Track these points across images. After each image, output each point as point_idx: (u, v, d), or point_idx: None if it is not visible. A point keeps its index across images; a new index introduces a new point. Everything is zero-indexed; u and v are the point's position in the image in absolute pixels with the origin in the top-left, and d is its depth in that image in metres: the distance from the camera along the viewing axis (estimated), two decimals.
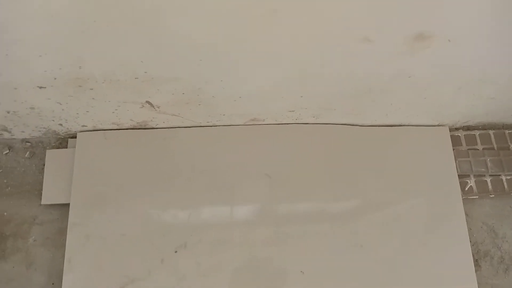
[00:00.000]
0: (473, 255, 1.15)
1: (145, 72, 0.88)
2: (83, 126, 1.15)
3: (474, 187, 1.22)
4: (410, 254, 1.12)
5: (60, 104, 1.02)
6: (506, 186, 1.23)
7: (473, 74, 0.99)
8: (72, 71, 0.87)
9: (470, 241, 1.16)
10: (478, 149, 1.26)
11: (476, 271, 1.13)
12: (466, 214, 1.19)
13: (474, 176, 1.23)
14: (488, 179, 1.24)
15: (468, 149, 1.25)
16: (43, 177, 1.16)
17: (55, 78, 0.89)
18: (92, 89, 0.94)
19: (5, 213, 1.14)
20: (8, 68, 0.84)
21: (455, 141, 1.26)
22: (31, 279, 1.09)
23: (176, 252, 1.08)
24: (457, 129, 1.29)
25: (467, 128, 1.29)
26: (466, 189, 1.22)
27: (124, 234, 1.08)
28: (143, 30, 0.75)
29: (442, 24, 0.79)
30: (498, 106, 1.17)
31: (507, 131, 1.29)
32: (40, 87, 0.92)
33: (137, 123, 1.15)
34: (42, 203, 1.13)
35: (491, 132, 1.29)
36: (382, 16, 0.75)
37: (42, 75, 0.87)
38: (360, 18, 0.76)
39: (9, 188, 1.17)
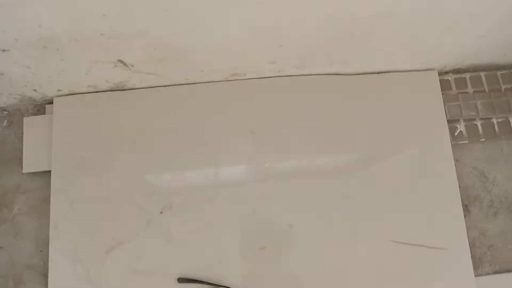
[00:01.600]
0: (462, 200, 1.13)
1: (110, 27, 0.84)
2: (59, 90, 1.11)
3: (464, 132, 1.19)
4: (399, 202, 1.11)
5: (29, 68, 0.98)
6: (497, 129, 1.20)
7: (461, 10, 0.93)
8: (32, 31, 0.82)
9: (460, 186, 1.14)
10: (469, 92, 1.22)
11: (465, 216, 1.12)
12: (456, 160, 1.17)
13: (464, 120, 1.20)
14: (479, 123, 1.20)
15: (458, 93, 1.21)
16: (22, 145, 1.13)
17: (16, 40, 0.84)
18: (58, 49, 0.89)
19: None
20: None
21: (445, 85, 1.21)
22: (19, 247, 1.09)
23: (161, 213, 1.07)
24: (446, 72, 1.24)
25: (457, 71, 1.25)
26: (456, 134, 1.19)
27: (108, 197, 1.07)
28: None
29: None
30: (489, 44, 1.12)
31: (499, 72, 1.24)
32: (3, 50, 0.88)
33: (114, 84, 1.11)
34: (24, 171, 1.11)
35: (482, 74, 1.24)
36: None
37: (1, 37, 0.82)
38: None
39: None
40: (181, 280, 1.02)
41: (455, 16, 0.95)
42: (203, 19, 0.84)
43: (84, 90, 1.12)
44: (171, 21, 0.83)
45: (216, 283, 1.02)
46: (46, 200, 1.11)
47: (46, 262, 1.06)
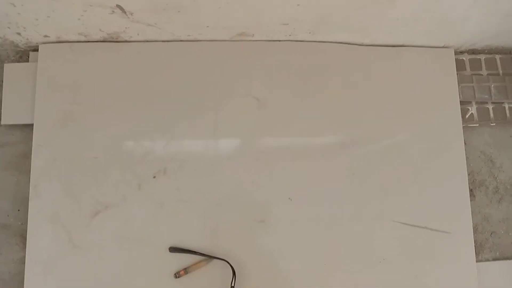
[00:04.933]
0: (468, 185, 1.09)
1: None
2: (45, 36, 1.00)
3: (475, 115, 1.15)
4: (405, 182, 1.06)
5: (14, 6, 0.86)
6: (508, 115, 1.16)
7: None
8: None
9: (467, 171, 1.10)
10: (483, 75, 1.17)
11: (470, 200, 1.08)
12: (464, 143, 1.12)
13: (476, 103, 1.15)
14: (490, 107, 1.16)
15: (472, 74, 1.16)
16: (2, 95, 1.02)
17: None
18: None
19: None
20: None
21: (459, 65, 1.16)
22: None
23: (154, 177, 0.99)
24: (462, 52, 1.18)
25: (473, 51, 1.19)
26: (467, 116, 1.14)
27: (96, 157, 0.98)
28: None
29: None
30: (510, 25, 1.06)
31: None
32: None
33: (107, 34, 1.01)
34: (2, 123, 1.01)
35: (497, 56, 1.19)
36: None
37: None
38: None
39: None
40: (173, 249, 0.95)
41: None
42: None
43: (74, 38, 1.02)
44: None
45: (210, 255, 0.96)
46: (26, 155, 1.01)
47: (24, 223, 0.98)
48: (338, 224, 1.02)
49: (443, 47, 1.14)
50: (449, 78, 1.12)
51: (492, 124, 1.16)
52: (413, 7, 0.94)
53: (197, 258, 0.96)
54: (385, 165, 1.06)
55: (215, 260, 0.96)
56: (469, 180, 1.11)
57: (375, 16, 0.97)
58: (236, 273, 0.95)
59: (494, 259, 1.10)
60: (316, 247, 1.00)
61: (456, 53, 1.17)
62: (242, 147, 1.03)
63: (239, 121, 1.05)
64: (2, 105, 1.01)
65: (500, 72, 1.18)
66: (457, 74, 1.14)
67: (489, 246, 1.11)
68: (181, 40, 1.05)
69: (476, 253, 1.07)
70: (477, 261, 1.06)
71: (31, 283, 0.93)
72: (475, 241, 1.08)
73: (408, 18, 0.98)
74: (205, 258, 0.96)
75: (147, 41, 1.04)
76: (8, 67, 1.03)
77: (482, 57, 1.19)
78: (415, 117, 1.09)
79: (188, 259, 0.96)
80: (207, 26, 1.00)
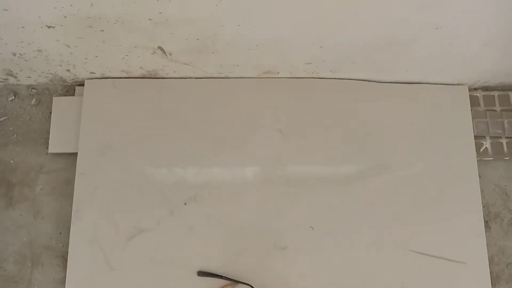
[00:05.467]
0: (483, 217, 1.14)
1: (160, 13, 0.84)
2: (91, 73, 1.11)
3: (489, 149, 1.20)
4: (421, 212, 1.11)
5: (69, 47, 0.97)
6: None
7: (500, 29, 0.94)
8: (83, 9, 0.82)
9: (482, 203, 1.14)
10: (496, 110, 1.23)
11: (485, 232, 1.13)
12: (479, 176, 1.17)
13: (490, 137, 1.21)
14: (504, 141, 1.21)
15: (486, 110, 1.22)
16: (49, 125, 1.13)
17: (65, 17, 0.84)
18: (103, 30, 0.89)
19: (12, 161, 1.12)
20: (17, 3, 0.79)
21: (473, 101, 1.22)
22: (39, 227, 1.08)
23: (185, 204, 1.06)
24: (475, 89, 1.25)
25: (486, 88, 1.26)
26: (481, 150, 1.20)
27: (133, 184, 1.07)
28: None
29: None
30: None
31: None
32: (49, 27, 0.87)
33: (147, 71, 1.11)
34: (49, 151, 1.11)
35: (510, 93, 1.25)
36: None
37: (51, 13, 0.82)
38: None
39: (15, 135, 1.14)
40: (201, 273, 1.01)
41: (497, 32, 0.96)
42: (251, 12, 0.84)
43: (117, 74, 1.12)
44: (223, 11, 0.83)
45: (236, 279, 1.01)
46: (69, 182, 1.10)
47: (65, 245, 1.06)
48: (357, 251, 1.07)
49: (457, 84, 1.20)
50: (463, 114, 1.19)
51: (506, 158, 1.21)
52: (428, 48, 1.02)
53: (224, 282, 1.02)
54: (403, 196, 1.11)
55: (240, 285, 1.02)
56: (484, 212, 1.16)
57: (392, 56, 1.05)
58: None
59: None
60: (336, 274, 1.05)
61: (470, 89, 1.23)
62: (267, 176, 1.10)
63: (264, 151, 1.12)
64: (50, 135, 1.11)
65: None
66: (471, 109, 1.20)
67: (505, 278, 1.14)
68: (212, 77, 1.15)
69: (492, 284, 1.10)
70: None
71: None
72: (491, 272, 1.11)
73: (423, 58, 1.06)
74: (231, 283, 1.01)
75: (182, 77, 1.14)
76: (56, 100, 1.14)
77: (496, 93, 1.25)
78: (432, 151, 1.15)
79: (215, 283, 1.02)
80: (237, 65, 1.09)
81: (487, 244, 1.11)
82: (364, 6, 0.84)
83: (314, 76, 1.15)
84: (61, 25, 0.87)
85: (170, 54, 1.02)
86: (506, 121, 1.21)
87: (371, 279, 1.06)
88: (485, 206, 1.18)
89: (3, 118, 1.15)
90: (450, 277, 1.07)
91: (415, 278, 1.07)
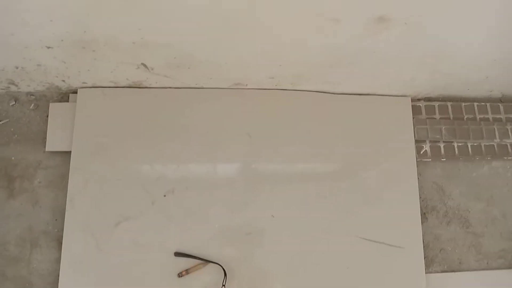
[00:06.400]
0: (421, 209, 1.34)
1: (142, 38, 1.01)
2: (83, 83, 1.28)
3: (429, 151, 1.40)
4: (367, 205, 1.30)
5: (64, 63, 1.14)
6: (456, 152, 1.41)
7: (429, 52, 1.13)
8: (77, 35, 0.99)
9: (421, 197, 1.34)
10: (436, 118, 1.42)
11: (422, 222, 1.33)
12: (420, 174, 1.37)
13: (430, 141, 1.40)
14: (442, 145, 1.41)
15: (426, 118, 1.42)
16: (46, 127, 1.29)
17: (62, 40, 1.01)
18: (94, 50, 1.06)
19: (13, 158, 1.29)
20: (21, 30, 0.96)
21: (416, 110, 1.42)
22: (37, 215, 1.25)
23: (165, 196, 1.24)
24: (419, 99, 1.44)
25: (428, 99, 1.45)
26: (421, 152, 1.39)
27: (119, 179, 1.24)
28: None
29: (399, 9, 0.93)
30: (455, 80, 1.33)
31: (463, 104, 1.45)
32: (48, 47, 1.04)
33: (132, 82, 1.28)
34: (46, 150, 1.27)
35: (449, 103, 1.45)
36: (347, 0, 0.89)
37: (50, 37, 0.99)
38: (330, 2, 0.89)
39: (16, 136, 1.30)
40: (177, 254, 1.20)
41: (427, 56, 1.15)
42: (224, 41, 1.02)
43: (106, 84, 1.29)
44: (193, 37, 1.01)
45: (207, 259, 1.20)
46: (64, 176, 1.27)
47: (60, 230, 1.23)
48: (311, 238, 1.26)
49: (401, 95, 1.40)
50: (406, 121, 1.38)
51: (443, 160, 1.41)
52: (371, 68, 1.20)
53: (197, 261, 1.20)
54: (351, 191, 1.31)
55: (211, 264, 1.20)
56: (422, 205, 1.36)
57: (341, 73, 1.24)
58: (227, 275, 1.19)
59: (442, 271, 1.33)
60: (293, 255, 1.24)
61: (413, 100, 1.43)
62: (236, 173, 1.29)
63: (234, 152, 1.30)
64: (47, 135, 1.28)
65: (451, 116, 1.44)
66: (414, 117, 1.40)
67: (438, 261, 1.34)
68: (190, 87, 1.32)
69: (426, 266, 1.30)
70: (427, 273, 1.29)
71: (65, 278, 1.17)
72: (426, 256, 1.31)
73: (367, 75, 1.25)
74: (203, 262, 1.20)
75: (163, 87, 1.31)
76: (52, 106, 1.30)
77: (436, 103, 1.44)
78: (378, 152, 1.34)
79: (189, 262, 1.20)
80: (211, 78, 1.27)
81: (424, 233, 1.32)
82: (313, 36, 1.02)
83: (277, 88, 1.33)
84: (58, 46, 1.04)
85: (152, 69, 1.19)
86: (443, 127, 1.41)
87: (323, 261, 1.25)
88: (423, 200, 1.38)
89: (5, 121, 1.31)
90: (389, 260, 1.27)
91: (360, 261, 1.26)
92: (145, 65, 1.16)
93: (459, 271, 1.34)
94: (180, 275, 1.19)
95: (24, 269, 1.21)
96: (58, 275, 1.18)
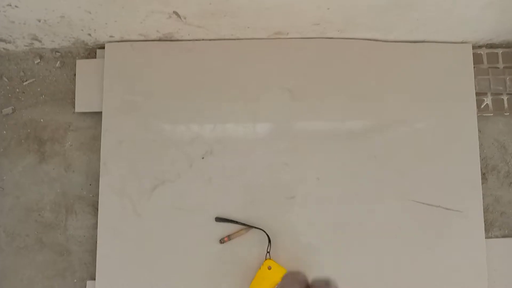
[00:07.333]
0: (481, 169, 1.21)
1: None
2: (111, 36, 1.17)
3: (490, 105, 1.25)
4: (421, 165, 1.18)
5: (90, 13, 1.04)
6: None
7: None
8: None
9: (480, 156, 1.22)
10: (499, 68, 1.27)
11: (482, 183, 1.21)
12: (479, 131, 1.24)
13: (492, 94, 1.26)
14: (505, 98, 1.26)
15: (489, 67, 1.26)
16: (74, 86, 1.21)
17: None
18: None
19: (42, 120, 1.22)
20: None
21: (477, 59, 1.26)
22: (71, 180, 1.19)
23: (203, 158, 1.16)
24: (480, 47, 1.29)
25: (490, 46, 1.29)
26: (482, 106, 1.25)
27: (154, 140, 1.16)
28: None
29: None
30: None
31: None
32: None
33: (163, 34, 1.17)
34: (76, 111, 1.20)
35: None
36: None
37: None
38: None
39: (43, 96, 1.23)
40: (218, 219, 1.13)
41: None
42: None
43: (135, 37, 1.18)
44: None
45: (249, 224, 1.12)
46: (96, 138, 1.20)
47: (95, 195, 1.17)
48: (359, 202, 1.16)
49: (461, 42, 1.24)
50: (466, 71, 1.23)
51: (506, 114, 1.26)
52: (431, 9, 1.05)
53: (239, 227, 1.13)
54: (404, 150, 1.19)
55: (253, 229, 1.13)
56: (482, 165, 1.23)
57: (397, 17, 1.09)
58: (271, 241, 1.11)
59: (503, 236, 1.23)
60: (340, 221, 1.15)
61: (474, 47, 1.27)
62: (277, 132, 1.19)
63: (274, 109, 1.19)
64: (76, 95, 1.20)
65: None
66: (474, 67, 1.24)
67: (498, 225, 1.23)
68: (225, 39, 1.20)
69: (486, 231, 1.20)
70: (486, 238, 1.19)
71: (102, 244, 1.12)
72: (486, 220, 1.20)
73: (427, 18, 1.10)
74: (245, 227, 1.13)
75: (196, 39, 1.20)
76: (79, 63, 1.21)
77: (500, 51, 1.28)
78: (434, 107, 1.21)
79: (231, 227, 1.13)
80: (248, 27, 1.14)
81: (483, 194, 1.20)
82: None
83: (322, 36, 1.20)
84: None
85: (185, 18, 1.07)
86: (508, 78, 1.26)
87: (373, 226, 1.16)
88: (483, 159, 1.25)
89: (30, 80, 1.24)
90: (446, 225, 1.17)
91: (414, 225, 1.16)
92: (177, 14, 1.05)
93: None
94: (222, 241, 1.12)
95: (61, 236, 1.17)
96: (96, 242, 1.13)
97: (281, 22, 1.12)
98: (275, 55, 1.21)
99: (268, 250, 1.11)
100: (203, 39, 1.20)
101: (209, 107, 1.18)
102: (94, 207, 1.17)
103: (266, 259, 1.10)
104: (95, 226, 1.15)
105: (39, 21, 1.07)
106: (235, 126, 1.18)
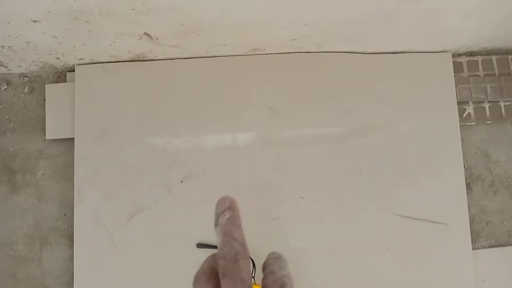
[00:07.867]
0: (466, 179, 1.20)
1: (142, 3, 0.85)
2: (81, 59, 1.13)
3: (472, 114, 1.24)
4: (405, 178, 1.16)
5: (56, 38, 0.99)
6: (503, 112, 1.25)
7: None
8: (66, 3, 0.83)
9: (464, 166, 1.20)
10: (479, 75, 1.26)
11: (467, 193, 1.19)
12: (462, 140, 1.22)
13: (473, 102, 1.25)
14: (487, 106, 1.25)
15: (469, 76, 1.25)
16: (44, 112, 1.16)
17: (49, 11, 0.85)
18: (88, 21, 0.91)
19: (11, 149, 1.16)
20: (0, 3, 0.80)
21: (457, 67, 1.25)
22: (44, 210, 1.14)
23: (182, 182, 1.12)
24: (459, 55, 1.27)
25: (470, 53, 1.28)
26: (464, 115, 1.24)
27: (130, 166, 1.11)
28: None
29: None
30: (505, 30, 1.15)
31: (510, 56, 1.28)
32: (34, 21, 0.89)
33: (135, 55, 1.13)
34: (46, 138, 1.14)
35: (493, 57, 1.27)
36: None
37: (36, 8, 0.83)
38: None
39: (12, 124, 1.17)
40: (200, 245, 1.09)
41: (478, 2, 0.97)
42: None
43: (106, 59, 1.14)
44: None
45: None
46: (69, 165, 1.15)
47: (70, 225, 1.12)
48: (345, 219, 1.13)
49: (441, 51, 1.22)
50: (447, 80, 1.22)
51: (488, 122, 1.25)
52: (410, 22, 1.03)
53: None
54: (387, 162, 1.17)
55: None
56: (466, 174, 1.22)
57: (375, 29, 1.06)
58: (255, 266, 1.08)
59: (490, 246, 1.21)
60: (326, 240, 1.12)
61: (454, 56, 1.25)
62: (258, 151, 1.15)
63: (255, 129, 1.16)
64: (46, 122, 1.14)
65: (496, 72, 1.27)
66: (455, 76, 1.23)
67: (485, 235, 1.22)
68: (201, 57, 1.16)
69: (472, 242, 1.18)
70: (473, 249, 1.17)
71: (80, 278, 1.07)
72: (472, 231, 1.19)
73: (406, 30, 1.08)
74: None
75: (171, 58, 1.16)
76: (49, 88, 1.16)
77: (479, 58, 1.27)
78: (416, 118, 1.19)
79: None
80: (224, 45, 1.11)
81: (468, 204, 1.18)
82: None
83: (300, 51, 1.17)
84: (46, 19, 0.88)
85: (157, 39, 1.03)
86: (489, 85, 1.25)
87: (358, 243, 1.13)
88: (467, 169, 1.23)
89: None
90: (432, 238, 1.15)
91: (401, 240, 1.14)
92: (148, 35, 1.01)
93: (508, 245, 1.21)
94: None
95: (36, 270, 1.11)
96: (72, 275, 1.08)
97: (257, 38, 1.09)
98: (253, 72, 1.18)
99: (253, 275, 1.07)
100: (177, 58, 1.16)
101: (187, 128, 1.14)
102: (70, 238, 1.12)
103: (252, 284, 1.06)
104: (71, 258, 1.10)
105: (3, 47, 1.02)
106: (214, 147, 1.15)
